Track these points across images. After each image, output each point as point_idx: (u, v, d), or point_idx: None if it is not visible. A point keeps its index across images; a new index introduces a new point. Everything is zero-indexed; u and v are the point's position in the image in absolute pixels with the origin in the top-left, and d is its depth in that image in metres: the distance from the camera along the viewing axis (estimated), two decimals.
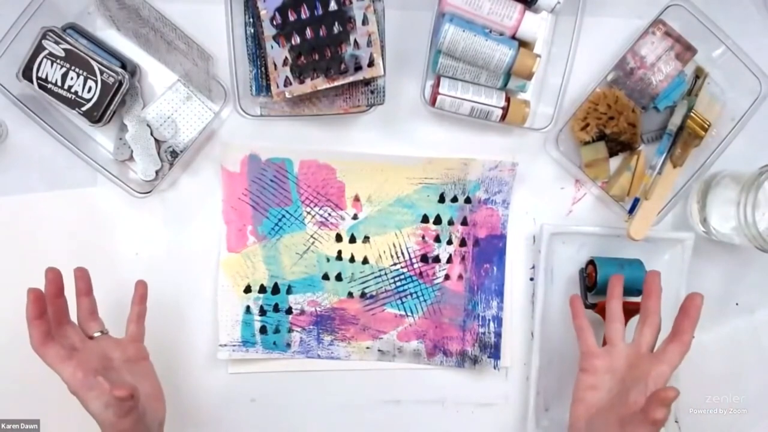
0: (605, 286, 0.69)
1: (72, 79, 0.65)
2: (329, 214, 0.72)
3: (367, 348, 0.73)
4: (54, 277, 0.57)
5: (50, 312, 0.57)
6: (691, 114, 0.69)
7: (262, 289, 0.72)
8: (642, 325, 0.62)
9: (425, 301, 0.73)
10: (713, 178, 0.71)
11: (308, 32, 0.63)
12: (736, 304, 0.75)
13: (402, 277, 0.73)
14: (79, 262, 0.70)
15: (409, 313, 0.73)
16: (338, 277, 0.73)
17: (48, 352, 0.55)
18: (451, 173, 0.72)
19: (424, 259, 0.73)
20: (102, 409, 0.54)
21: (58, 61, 0.65)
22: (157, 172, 0.70)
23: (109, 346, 0.60)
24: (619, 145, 0.71)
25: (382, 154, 0.72)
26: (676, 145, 0.69)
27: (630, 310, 0.70)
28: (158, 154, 0.70)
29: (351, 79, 0.64)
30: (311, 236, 0.72)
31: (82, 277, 0.61)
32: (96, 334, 0.60)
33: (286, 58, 0.64)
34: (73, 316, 0.61)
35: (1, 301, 0.70)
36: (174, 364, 0.71)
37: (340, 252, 0.73)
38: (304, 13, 0.63)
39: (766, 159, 0.67)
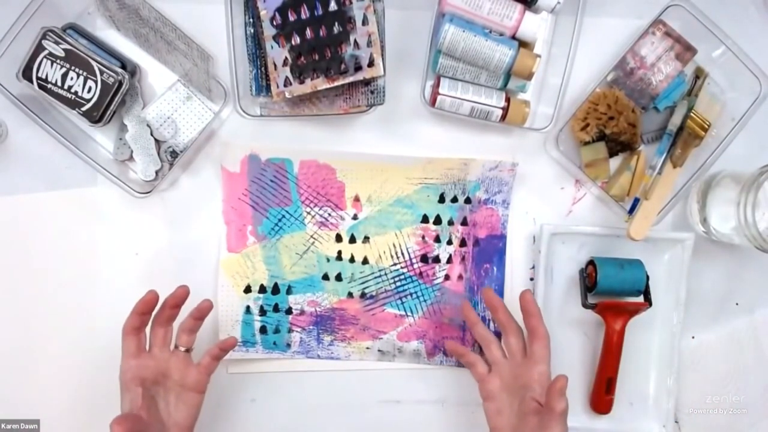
0: (605, 287, 0.69)
1: (72, 79, 0.65)
2: (329, 215, 0.72)
3: (367, 348, 0.73)
4: (182, 293, 0.62)
5: (158, 312, 0.62)
6: (691, 114, 0.69)
7: (262, 289, 0.72)
8: (505, 336, 0.66)
9: (425, 301, 0.73)
10: (713, 178, 0.71)
11: (308, 32, 0.63)
12: (736, 304, 0.75)
13: (402, 277, 0.73)
14: (79, 262, 0.71)
15: (409, 313, 0.73)
16: (338, 278, 0.73)
17: (126, 341, 0.61)
18: (451, 173, 0.72)
19: (424, 259, 0.73)
20: (124, 412, 0.59)
21: (58, 61, 0.65)
22: (157, 172, 0.70)
23: (176, 364, 0.62)
24: (619, 145, 0.71)
25: (382, 154, 0.72)
26: (676, 145, 0.69)
27: (630, 311, 0.70)
28: (158, 154, 0.70)
29: (351, 79, 0.64)
30: (311, 236, 0.72)
31: (204, 309, 0.64)
32: (181, 349, 0.63)
33: (286, 58, 0.64)
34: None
35: (2, 300, 0.71)
36: None
37: (340, 252, 0.73)
38: (304, 13, 0.63)
39: (766, 159, 0.67)
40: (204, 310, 0.64)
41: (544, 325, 0.64)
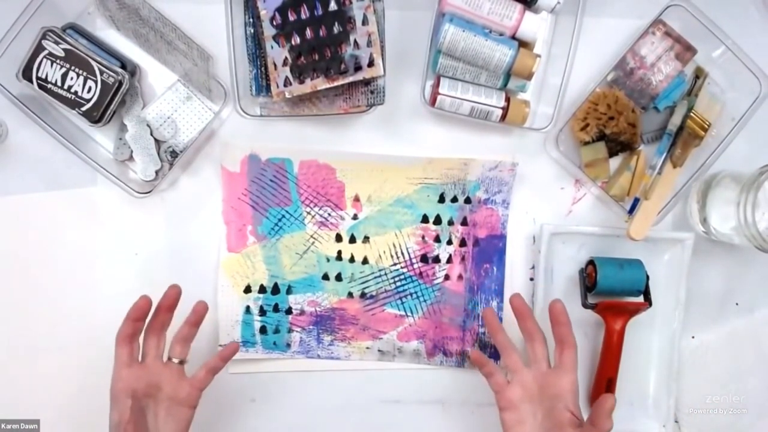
0: (605, 287, 0.69)
1: (72, 79, 0.65)
2: (329, 214, 0.72)
3: (367, 348, 0.73)
4: (173, 294, 0.61)
5: (152, 319, 0.61)
6: (691, 114, 0.69)
7: (262, 290, 0.72)
8: (530, 344, 0.63)
9: (425, 301, 0.73)
10: (713, 178, 0.71)
11: (308, 32, 0.63)
12: (736, 304, 0.75)
13: (402, 277, 0.73)
14: (80, 262, 0.71)
15: (409, 313, 0.73)
16: (338, 277, 0.73)
17: (118, 350, 0.59)
18: (451, 173, 0.72)
19: (424, 259, 0.73)
20: (112, 424, 0.58)
21: (58, 61, 0.65)
22: (157, 172, 0.70)
23: (168, 377, 0.61)
24: (619, 145, 0.71)
25: (382, 154, 0.72)
26: (676, 145, 0.69)
27: (630, 311, 0.70)
28: (158, 154, 0.70)
29: (351, 79, 0.64)
30: (311, 236, 0.72)
31: (199, 312, 0.63)
32: (174, 361, 0.62)
33: (286, 58, 0.64)
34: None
35: (1, 300, 0.71)
36: None
37: (340, 252, 0.73)
38: (304, 13, 0.63)
39: (766, 159, 0.67)
40: (200, 313, 0.62)
41: (573, 334, 0.62)
